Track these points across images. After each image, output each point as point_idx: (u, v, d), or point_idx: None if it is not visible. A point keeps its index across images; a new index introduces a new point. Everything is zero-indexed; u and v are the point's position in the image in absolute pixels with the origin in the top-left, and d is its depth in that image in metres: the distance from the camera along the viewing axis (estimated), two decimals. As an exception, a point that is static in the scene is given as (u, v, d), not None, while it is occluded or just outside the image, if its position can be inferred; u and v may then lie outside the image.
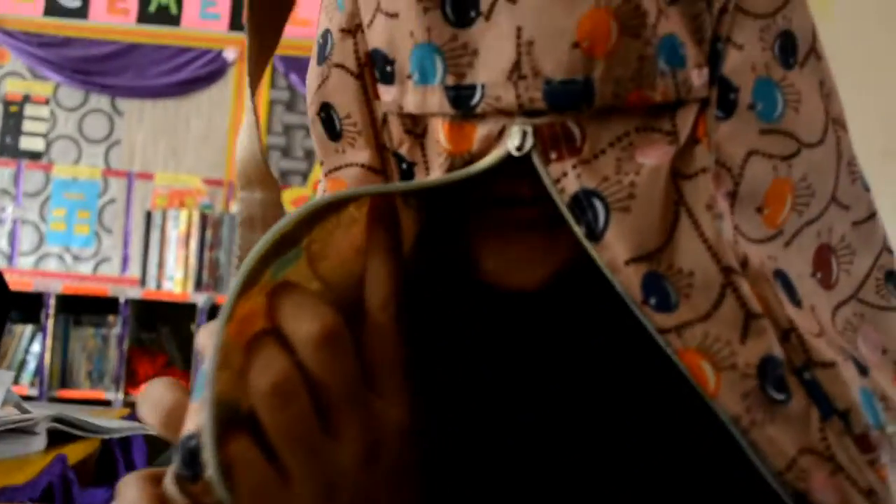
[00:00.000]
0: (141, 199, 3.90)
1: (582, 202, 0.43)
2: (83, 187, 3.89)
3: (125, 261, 3.89)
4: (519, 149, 0.43)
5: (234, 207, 3.91)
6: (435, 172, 0.47)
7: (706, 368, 0.42)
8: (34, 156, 3.88)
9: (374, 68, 0.48)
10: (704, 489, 0.51)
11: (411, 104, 0.46)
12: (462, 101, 0.45)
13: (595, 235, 0.43)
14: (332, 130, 0.51)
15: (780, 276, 0.46)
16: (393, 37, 0.46)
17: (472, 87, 0.44)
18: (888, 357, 0.50)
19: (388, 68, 0.47)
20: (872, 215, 0.54)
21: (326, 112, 0.51)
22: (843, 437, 0.44)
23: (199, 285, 3.69)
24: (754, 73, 0.47)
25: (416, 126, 0.47)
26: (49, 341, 3.54)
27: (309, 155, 3.96)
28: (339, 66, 0.50)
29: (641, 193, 0.43)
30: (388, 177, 0.49)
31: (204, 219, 3.72)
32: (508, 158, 0.44)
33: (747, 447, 0.42)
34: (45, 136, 3.89)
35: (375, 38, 0.48)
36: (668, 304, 0.43)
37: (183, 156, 3.94)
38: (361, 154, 0.50)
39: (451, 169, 0.46)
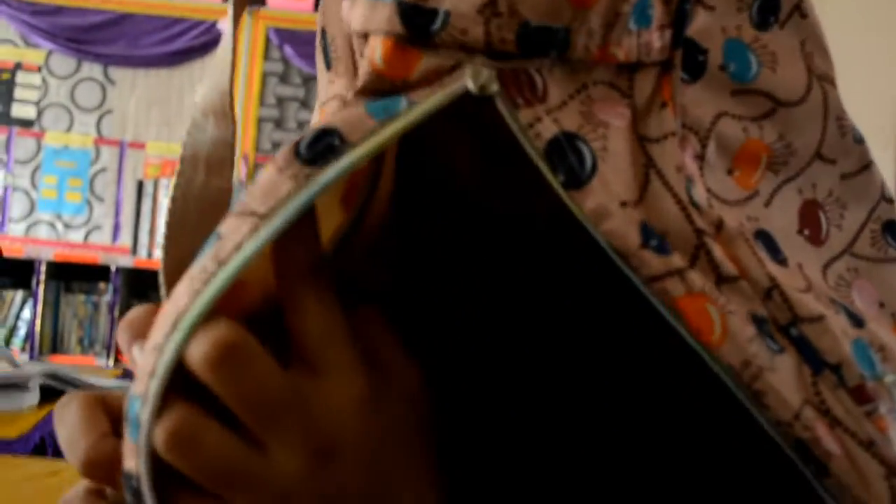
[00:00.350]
0: (132, 168, 3.91)
1: (563, 145, 0.40)
2: (75, 155, 3.90)
3: (116, 229, 3.90)
4: (482, 89, 0.40)
5: (226, 178, 3.93)
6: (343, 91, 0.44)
7: (711, 311, 0.40)
8: (26, 123, 3.88)
9: None
10: (686, 442, 0.50)
11: (357, 19, 0.42)
12: (417, 22, 0.40)
13: (580, 181, 0.40)
14: (327, 59, 0.48)
15: (762, 235, 0.46)
16: None
17: (434, 13, 0.40)
18: (886, 310, 0.50)
19: None
20: (866, 167, 0.53)
21: (323, 40, 0.48)
22: (838, 390, 0.44)
23: (189, 255, 3.71)
24: (724, 35, 0.46)
25: (365, 43, 0.43)
26: (40, 307, 3.57)
27: (301, 126, 3.97)
28: None
29: (612, 147, 0.41)
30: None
31: (195, 189, 3.73)
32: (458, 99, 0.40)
33: (749, 397, 0.40)
34: (36, 103, 3.89)
35: None
36: (665, 248, 0.41)
37: (175, 126, 3.94)
38: (339, 83, 0.46)
39: (371, 87, 0.41)
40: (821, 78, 0.51)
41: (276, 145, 3.96)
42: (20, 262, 3.51)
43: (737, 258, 0.43)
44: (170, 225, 0.47)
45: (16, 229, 3.86)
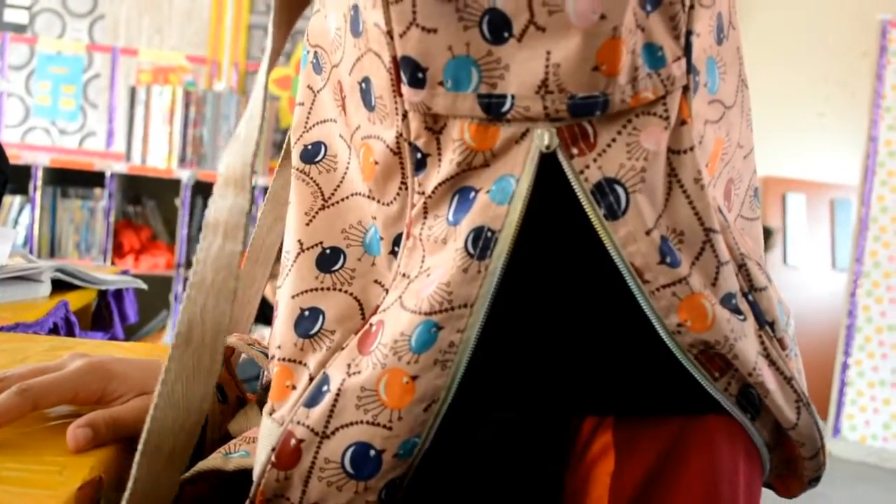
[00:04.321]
0: (125, 75, 3.93)
1: (604, 188, 0.53)
2: (67, 61, 3.91)
3: (110, 135, 3.94)
4: (548, 147, 0.53)
5: (218, 85, 3.95)
6: (446, 165, 0.55)
7: (706, 305, 0.55)
8: (18, 28, 3.88)
9: (401, 72, 0.54)
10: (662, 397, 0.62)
11: (440, 106, 0.54)
12: (493, 107, 0.53)
13: (615, 215, 0.53)
14: (368, 103, 0.58)
15: (721, 212, 0.59)
16: (428, 48, 0.53)
17: (503, 97, 0.53)
18: (758, 257, 0.63)
19: (420, 74, 0.53)
20: (752, 149, 0.67)
21: (366, 85, 0.58)
22: (773, 340, 0.60)
23: (182, 161, 3.75)
24: (705, 55, 0.58)
25: (435, 124, 0.55)
26: (37, 213, 3.61)
27: (292, 35, 3.96)
28: (377, 55, 0.55)
29: (649, 177, 0.54)
30: (402, 161, 0.56)
31: (188, 96, 3.76)
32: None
33: (732, 360, 0.56)
34: (28, 8, 3.88)
35: (409, 47, 0.53)
36: (676, 261, 0.55)
37: (167, 32, 3.95)
38: (388, 134, 0.56)
39: (467, 161, 0.54)
40: (743, 82, 0.65)
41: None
42: (17, 167, 3.54)
43: (728, 244, 0.58)
44: (192, 285, 0.57)
45: (11, 135, 3.89)
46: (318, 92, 0.65)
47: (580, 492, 0.62)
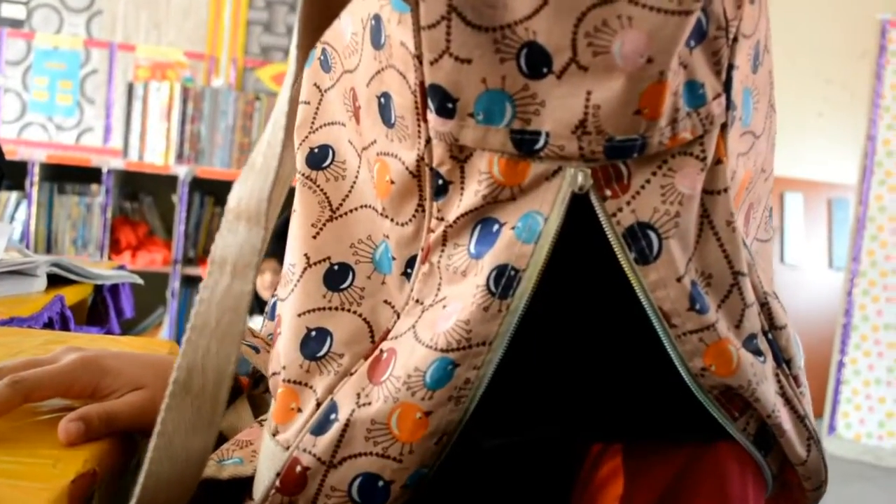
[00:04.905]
0: (123, 71, 3.92)
1: (637, 233, 0.51)
2: (65, 57, 3.90)
3: (107, 131, 3.93)
4: (581, 189, 0.51)
5: (216, 81, 3.95)
6: (470, 196, 0.52)
7: (732, 350, 0.54)
8: (15, 23, 3.87)
9: (429, 100, 0.51)
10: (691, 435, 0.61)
11: (469, 139, 0.51)
12: (525, 144, 0.50)
13: (647, 260, 0.51)
14: (388, 120, 0.55)
15: (744, 244, 0.57)
16: (460, 79, 0.50)
17: (537, 134, 0.50)
18: (778, 300, 0.62)
19: (450, 105, 0.51)
20: (772, 171, 0.65)
21: (386, 101, 0.55)
22: (788, 378, 0.60)
23: (180, 157, 3.75)
24: (742, 87, 0.55)
25: (461, 153, 0.52)
26: (34, 209, 3.61)
27: (291, 30, 3.97)
28: (401, 74, 0.53)
29: (683, 221, 0.52)
30: (421, 183, 0.54)
31: (185, 92, 3.76)
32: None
33: (753, 402, 0.55)
34: (25, 3, 3.87)
35: (440, 76, 0.50)
36: (705, 308, 0.53)
37: (165, 28, 3.94)
38: (407, 155, 0.54)
39: (493, 194, 0.52)
40: (772, 107, 0.62)
41: (264, 49, 3.97)
42: (13, 163, 3.53)
43: (754, 284, 0.57)
44: (193, 328, 0.50)
45: (8, 131, 3.88)
46: (325, 91, 0.62)
47: None
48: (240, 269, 0.52)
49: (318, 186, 0.60)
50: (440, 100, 0.51)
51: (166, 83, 3.76)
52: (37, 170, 3.57)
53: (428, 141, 0.53)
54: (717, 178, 0.53)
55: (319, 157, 0.61)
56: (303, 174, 0.61)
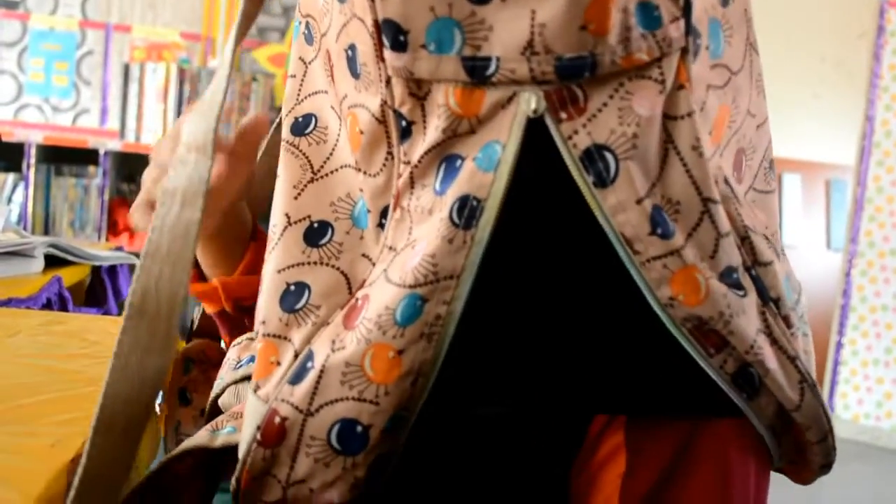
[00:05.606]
0: (119, 52, 3.90)
1: (593, 155, 0.51)
2: (60, 38, 3.88)
3: (104, 113, 3.91)
4: (535, 112, 0.51)
5: (212, 62, 3.93)
6: (432, 132, 0.53)
7: (700, 279, 0.53)
8: (10, 5, 3.85)
9: (383, 36, 0.52)
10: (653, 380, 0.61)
11: (423, 70, 0.52)
12: (478, 70, 0.51)
13: (605, 182, 0.51)
14: (354, 71, 0.57)
15: (727, 182, 0.57)
16: (409, 10, 0.51)
17: (488, 59, 0.51)
18: (769, 231, 0.62)
19: (402, 38, 0.52)
20: (766, 119, 0.65)
21: (352, 52, 0.56)
22: (777, 318, 0.58)
23: (177, 139, 3.73)
24: (707, 16, 0.55)
25: (419, 90, 0.53)
26: (31, 190, 3.59)
27: (287, 11, 3.94)
28: (361, 20, 0.54)
29: (641, 143, 0.51)
30: (388, 129, 0.55)
31: (182, 73, 3.74)
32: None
33: (727, 336, 0.54)
34: (20, -16, 3.85)
35: (390, 9, 0.51)
36: (668, 232, 0.53)
37: (160, 9, 3.92)
38: (372, 102, 0.55)
39: (452, 127, 0.52)
40: (752, 46, 0.61)
41: (261, 30, 3.95)
42: (10, 145, 3.52)
43: (730, 214, 0.56)
44: (146, 254, 0.55)
45: (4, 112, 3.86)
46: (309, 63, 0.64)
47: (588, 493, 0.61)
48: (189, 198, 0.56)
49: (301, 151, 0.62)
50: (393, 34, 0.52)
51: (162, 64, 3.74)
52: (33, 151, 3.54)
53: (388, 82, 0.53)
54: (679, 102, 0.52)
55: (303, 125, 0.63)
56: (287, 141, 0.63)
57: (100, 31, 3.90)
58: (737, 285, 0.55)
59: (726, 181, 0.56)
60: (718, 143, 0.57)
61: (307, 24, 0.64)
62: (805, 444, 0.61)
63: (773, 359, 0.57)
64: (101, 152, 3.58)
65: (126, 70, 3.73)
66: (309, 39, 0.64)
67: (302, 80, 0.64)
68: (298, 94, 0.64)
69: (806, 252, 4.92)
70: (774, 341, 0.57)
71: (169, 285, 0.55)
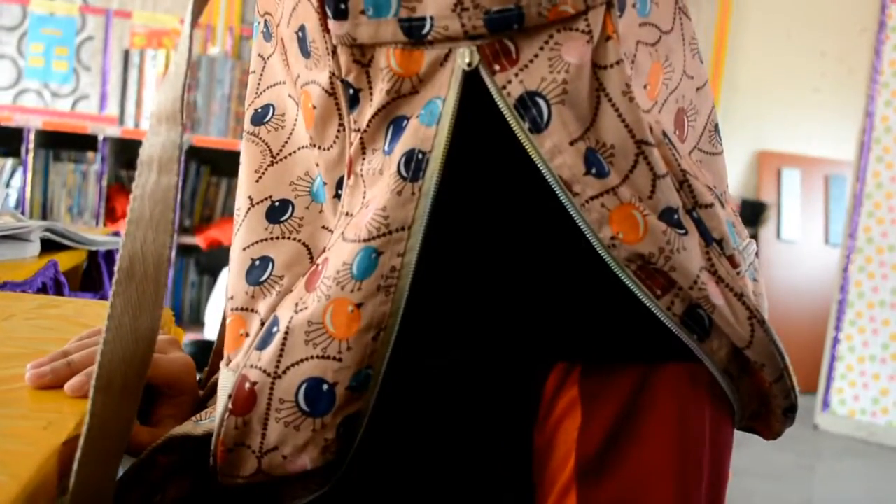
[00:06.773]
0: (119, 38, 3.89)
1: (526, 102, 0.54)
2: (60, 23, 3.87)
3: (103, 99, 3.91)
4: (469, 65, 0.54)
5: (212, 50, 3.92)
6: (377, 96, 0.56)
7: (637, 215, 0.56)
8: (10, -11, 3.84)
9: (326, 6, 0.56)
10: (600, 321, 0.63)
11: (365, 35, 0.55)
12: (414, 30, 0.54)
13: (539, 127, 0.54)
14: (305, 50, 0.60)
15: (666, 135, 0.59)
16: None
17: (423, 19, 0.54)
18: (715, 192, 0.64)
19: (342, 6, 0.55)
20: (706, 82, 0.68)
21: (302, 33, 0.60)
22: (721, 258, 0.60)
23: (176, 126, 3.72)
24: None
25: (363, 56, 0.56)
26: (30, 176, 3.59)
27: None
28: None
29: (572, 88, 0.54)
30: (337, 100, 0.58)
31: (182, 60, 3.72)
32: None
33: (669, 273, 0.56)
34: (20, -31, 3.84)
35: None
36: (603, 171, 0.55)
37: (161, -5, 3.91)
38: (321, 76, 0.58)
39: (395, 88, 0.56)
40: (681, 10, 0.65)
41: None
42: (9, 130, 3.52)
43: (666, 157, 0.58)
44: (130, 221, 0.58)
45: (4, 97, 3.86)
46: (267, 59, 0.67)
47: (548, 447, 0.63)
48: (164, 164, 0.59)
49: (260, 138, 0.65)
50: (335, 2, 0.55)
51: (162, 51, 3.73)
52: (32, 136, 3.54)
53: (334, 52, 0.57)
54: (608, 52, 0.55)
55: (262, 115, 0.66)
56: (247, 132, 0.66)
57: (100, 17, 3.89)
58: (677, 224, 0.57)
59: (664, 134, 0.58)
60: (655, 100, 0.60)
61: (265, 21, 0.67)
62: (765, 389, 0.63)
63: (720, 296, 0.59)
64: (100, 138, 3.58)
65: (126, 56, 3.72)
66: (267, 36, 0.67)
67: (261, 75, 0.68)
68: (258, 88, 0.68)
69: (804, 247, 4.92)
70: (720, 280, 0.59)
71: (154, 248, 0.58)
